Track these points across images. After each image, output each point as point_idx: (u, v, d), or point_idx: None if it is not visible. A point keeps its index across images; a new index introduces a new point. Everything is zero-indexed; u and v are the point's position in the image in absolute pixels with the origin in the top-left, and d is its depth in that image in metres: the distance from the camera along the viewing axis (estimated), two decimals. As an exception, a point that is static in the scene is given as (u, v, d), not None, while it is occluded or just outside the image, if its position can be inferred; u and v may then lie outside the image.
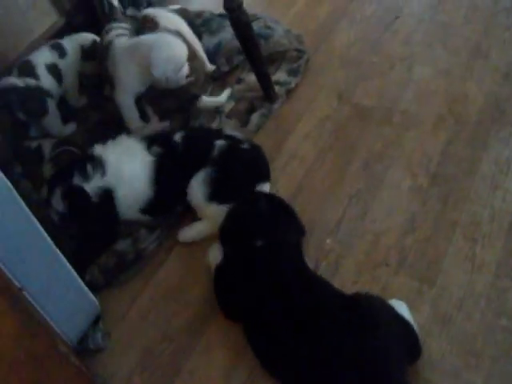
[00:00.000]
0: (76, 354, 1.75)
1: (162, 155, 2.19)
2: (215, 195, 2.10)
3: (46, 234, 1.71)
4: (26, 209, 1.62)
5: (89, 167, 2.12)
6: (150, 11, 2.74)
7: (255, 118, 2.53)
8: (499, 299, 1.75)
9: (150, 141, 2.24)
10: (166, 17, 2.67)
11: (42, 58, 2.66)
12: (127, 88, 2.46)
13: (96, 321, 1.99)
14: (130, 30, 2.63)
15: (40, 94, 2.59)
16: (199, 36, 2.82)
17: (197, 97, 2.55)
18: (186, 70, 2.36)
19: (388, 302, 1.68)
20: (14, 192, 1.57)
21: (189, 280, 2.07)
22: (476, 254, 1.87)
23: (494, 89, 2.34)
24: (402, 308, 1.70)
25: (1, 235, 1.54)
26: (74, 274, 1.86)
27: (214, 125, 2.55)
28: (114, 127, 2.52)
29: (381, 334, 1.54)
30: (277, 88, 2.59)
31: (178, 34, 2.47)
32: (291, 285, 1.73)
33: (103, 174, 2.12)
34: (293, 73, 2.68)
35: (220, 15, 2.99)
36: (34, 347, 1.48)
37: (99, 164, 2.13)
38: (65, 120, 2.68)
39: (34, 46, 2.79)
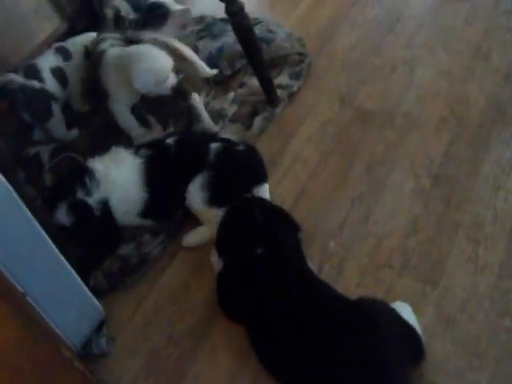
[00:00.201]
0: (80, 359, 1.75)
1: (150, 156, 2.20)
2: (214, 199, 2.11)
3: (49, 239, 1.72)
4: (29, 214, 1.63)
5: (87, 181, 2.15)
6: None
7: (258, 121, 2.54)
8: (502, 300, 1.75)
9: (139, 146, 2.27)
10: None
11: (47, 61, 2.67)
12: (119, 98, 2.47)
13: (100, 326, 1.99)
14: (122, 39, 2.61)
15: (45, 96, 2.60)
16: (195, 44, 2.83)
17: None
18: (171, 81, 2.34)
19: (390, 305, 1.68)
20: (17, 197, 1.58)
21: (193, 284, 2.08)
22: (479, 255, 1.87)
23: (496, 90, 2.34)
24: (405, 310, 1.70)
25: (4, 240, 1.55)
26: (78, 278, 1.87)
27: (218, 129, 2.54)
28: (116, 132, 2.53)
29: (381, 334, 1.54)
30: (279, 92, 2.60)
31: (165, 46, 2.45)
32: (292, 287, 1.73)
33: (97, 185, 2.15)
34: (295, 76, 2.68)
35: (222, 19, 3.00)
36: (38, 352, 1.48)
37: (93, 176, 2.16)
38: (69, 125, 2.69)
39: (37, 52, 2.80)
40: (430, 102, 2.40)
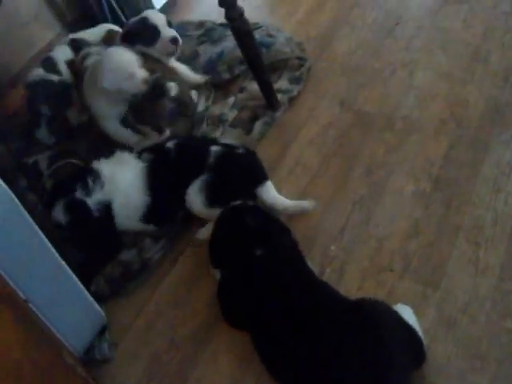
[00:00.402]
0: (83, 364, 1.76)
1: (153, 160, 2.21)
2: (216, 200, 2.11)
3: (51, 246, 1.73)
4: (31, 221, 1.64)
5: (89, 181, 2.15)
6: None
7: (258, 126, 2.54)
8: (503, 302, 1.75)
9: (141, 150, 2.28)
10: None
11: (62, 53, 2.74)
12: (105, 114, 2.47)
13: (102, 331, 2.00)
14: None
15: (64, 88, 2.65)
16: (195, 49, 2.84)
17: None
18: (139, 76, 2.32)
19: (392, 307, 1.68)
20: (19, 204, 1.59)
21: (194, 289, 2.08)
22: (479, 258, 1.87)
23: (495, 92, 2.35)
24: (407, 312, 1.70)
25: (6, 247, 1.56)
26: (80, 284, 1.87)
27: (218, 133, 2.56)
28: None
29: (382, 335, 1.55)
30: (279, 96, 2.61)
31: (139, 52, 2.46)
32: (292, 287, 1.73)
33: (101, 187, 2.15)
34: (295, 81, 2.69)
35: (222, 24, 3.02)
36: (40, 358, 1.48)
37: (97, 177, 2.16)
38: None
39: (37, 59, 2.82)
40: (429, 105, 2.41)
